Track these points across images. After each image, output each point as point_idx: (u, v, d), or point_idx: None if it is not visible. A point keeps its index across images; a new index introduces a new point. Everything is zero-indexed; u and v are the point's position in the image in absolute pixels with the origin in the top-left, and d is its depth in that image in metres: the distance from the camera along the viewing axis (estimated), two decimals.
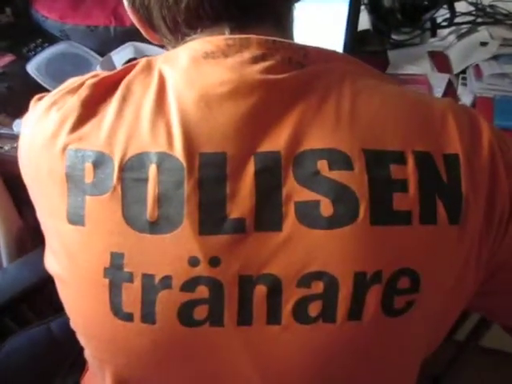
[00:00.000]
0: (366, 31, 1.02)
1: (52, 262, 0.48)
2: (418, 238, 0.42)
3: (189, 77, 0.43)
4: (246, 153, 0.41)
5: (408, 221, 0.41)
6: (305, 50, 0.45)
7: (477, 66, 0.92)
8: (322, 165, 0.41)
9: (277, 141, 0.42)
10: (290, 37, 0.50)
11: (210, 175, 0.41)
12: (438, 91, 0.91)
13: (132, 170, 0.42)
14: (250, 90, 0.42)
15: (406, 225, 0.41)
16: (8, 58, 0.96)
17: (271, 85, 0.42)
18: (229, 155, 0.41)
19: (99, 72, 0.49)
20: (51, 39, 1.01)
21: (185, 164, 0.41)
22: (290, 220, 0.41)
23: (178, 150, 0.41)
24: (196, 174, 0.41)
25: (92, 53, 0.99)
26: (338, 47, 0.90)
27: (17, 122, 0.91)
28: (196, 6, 0.44)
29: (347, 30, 0.88)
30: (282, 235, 0.41)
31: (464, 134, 0.44)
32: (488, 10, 1.04)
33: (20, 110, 0.94)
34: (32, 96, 0.92)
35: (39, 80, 0.92)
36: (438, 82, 0.93)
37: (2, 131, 0.90)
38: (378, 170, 0.41)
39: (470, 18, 1.02)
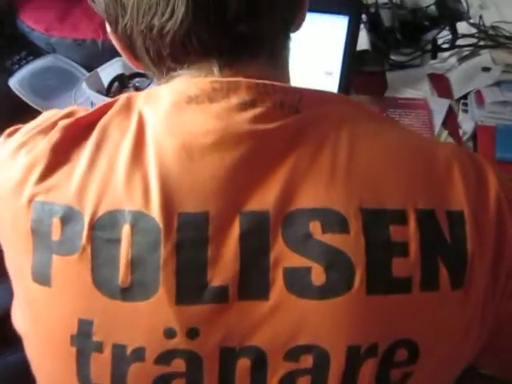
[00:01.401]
0: (364, 51, 0.98)
1: (18, 318, 0.44)
2: (418, 306, 0.39)
3: (170, 123, 0.40)
4: (231, 212, 0.38)
5: (408, 288, 0.38)
6: (300, 92, 0.41)
7: (478, 91, 0.89)
8: (315, 226, 0.38)
9: (265, 198, 0.38)
10: (285, 71, 0.46)
11: (189, 238, 0.37)
12: (439, 117, 0.88)
13: (104, 228, 0.38)
14: (237, 141, 0.38)
15: (406, 293, 0.38)
16: None
17: (260, 136, 0.39)
18: (211, 215, 0.37)
19: (75, 109, 0.46)
20: (36, 51, 0.96)
21: (161, 225, 0.37)
22: (278, 287, 0.37)
23: (155, 209, 0.37)
24: (174, 236, 0.37)
25: (79, 67, 0.94)
26: (337, 65, 0.86)
27: None
28: (183, 40, 0.40)
29: (346, 47, 0.84)
30: (269, 304, 0.37)
31: (470, 187, 0.41)
32: (490, 31, 1.01)
33: (2, 128, 0.90)
34: (14, 112, 0.87)
35: (22, 96, 0.87)
36: (439, 108, 0.89)
37: None
38: (376, 231, 0.38)
39: (472, 41, 0.99)
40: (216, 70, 0.41)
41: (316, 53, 0.85)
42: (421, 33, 1.03)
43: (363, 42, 0.98)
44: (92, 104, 0.89)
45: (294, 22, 0.45)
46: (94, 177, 0.39)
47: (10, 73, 0.91)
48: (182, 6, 0.37)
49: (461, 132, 0.86)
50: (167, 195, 0.37)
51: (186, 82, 0.41)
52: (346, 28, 0.83)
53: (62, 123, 0.43)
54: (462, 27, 1.02)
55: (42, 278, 0.39)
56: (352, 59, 0.85)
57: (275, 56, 0.44)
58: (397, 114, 0.89)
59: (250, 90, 0.39)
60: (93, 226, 0.38)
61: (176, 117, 0.40)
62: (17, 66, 0.93)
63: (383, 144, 0.41)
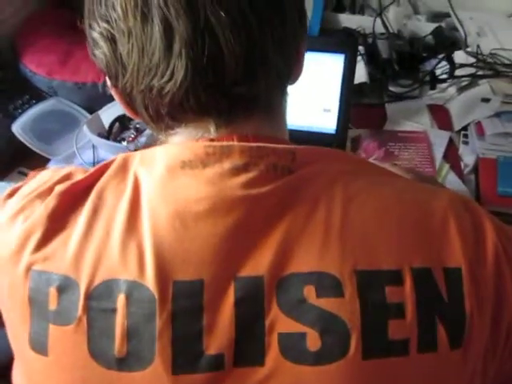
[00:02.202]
0: (363, 84, 0.98)
1: (18, 381, 0.44)
2: (416, 368, 0.38)
3: (164, 189, 0.40)
4: (226, 279, 0.38)
5: (405, 351, 0.37)
6: (293, 152, 0.41)
7: (479, 123, 0.88)
8: (309, 291, 0.37)
9: (259, 263, 0.38)
10: (281, 125, 0.47)
11: (184, 307, 0.37)
12: (439, 150, 0.87)
13: (99, 298, 0.38)
14: (230, 207, 0.38)
15: (403, 355, 0.37)
16: None
17: (253, 201, 0.39)
18: (206, 282, 0.37)
19: (73, 170, 0.46)
20: (39, 95, 0.98)
21: (156, 295, 0.37)
22: (273, 353, 0.37)
23: (150, 279, 0.37)
24: (169, 305, 0.37)
25: (81, 110, 0.96)
26: (335, 101, 0.86)
27: (0, 184, 0.88)
28: (181, 100, 0.40)
29: (343, 84, 0.85)
30: (265, 370, 0.37)
31: (467, 242, 0.40)
32: (489, 60, 1.01)
33: (4, 172, 0.91)
34: (17, 158, 0.87)
35: (24, 141, 0.88)
36: (439, 140, 0.89)
37: None
38: (371, 293, 0.38)
39: (471, 70, 0.99)
40: (213, 129, 0.42)
41: (314, 90, 0.86)
42: (419, 63, 1.04)
43: (361, 74, 0.99)
44: (94, 147, 0.90)
45: (291, 78, 0.45)
46: (90, 244, 0.39)
47: (13, 118, 0.92)
48: (182, 69, 0.38)
49: (462, 165, 0.85)
50: (162, 264, 0.38)
51: (180, 146, 0.42)
52: (342, 65, 0.84)
53: (59, 188, 0.43)
54: (461, 57, 1.02)
55: (39, 346, 0.39)
56: (349, 96, 0.85)
57: (271, 112, 0.44)
58: (396, 148, 0.88)
59: (243, 154, 0.40)
60: (88, 296, 0.38)
61: (170, 182, 0.40)
62: (19, 110, 0.94)
63: (377, 202, 0.41)
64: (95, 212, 0.41)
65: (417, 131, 0.91)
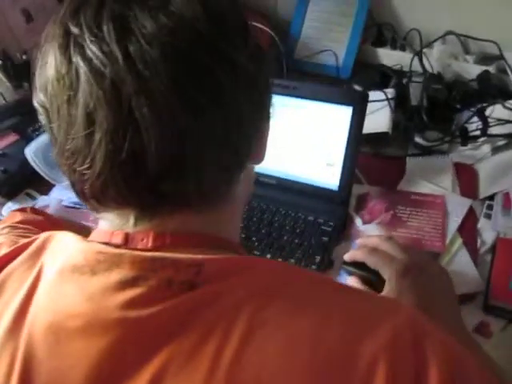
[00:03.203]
0: (384, 133, 0.90)
1: None
2: None
3: (50, 294, 0.38)
4: None
5: None
6: (199, 264, 0.36)
7: (507, 194, 0.77)
8: None
9: None
10: (226, 218, 0.42)
11: None
12: (455, 221, 0.77)
13: None
14: (105, 329, 0.35)
15: None
16: (12, 138, 0.96)
17: (130, 325, 0.35)
18: None
19: (3, 242, 0.46)
20: None
21: None
22: None
23: None
24: None
25: None
26: (339, 156, 0.78)
27: (7, 205, 0.91)
28: (101, 188, 0.38)
29: (349, 138, 0.77)
30: None
31: None
32: None
33: (13, 193, 0.95)
34: (28, 180, 0.89)
35: (35, 167, 0.90)
36: (457, 208, 0.78)
37: None
38: None
39: (510, 128, 0.86)
40: (132, 220, 0.39)
41: (317, 142, 0.79)
42: (453, 113, 0.93)
43: (384, 122, 0.91)
44: None
45: (248, 162, 0.42)
46: None
47: (30, 139, 0.95)
48: (100, 160, 0.36)
49: (479, 242, 0.74)
50: (26, 381, 0.35)
51: (79, 246, 0.39)
52: (349, 118, 0.77)
53: None
54: (502, 110, 0.90)
55: None
56: (356, 151, 0.78)
57: (209, 205, 0.40)
58: (406, 213, 0.79)
59: (134, 266, 0.36)
60: None
61: (57, 287, 0.38)
62: (37, 132, 0.97)
63: (285, 339, 0.35)
64: None
65: (434, 195, 0.81)
